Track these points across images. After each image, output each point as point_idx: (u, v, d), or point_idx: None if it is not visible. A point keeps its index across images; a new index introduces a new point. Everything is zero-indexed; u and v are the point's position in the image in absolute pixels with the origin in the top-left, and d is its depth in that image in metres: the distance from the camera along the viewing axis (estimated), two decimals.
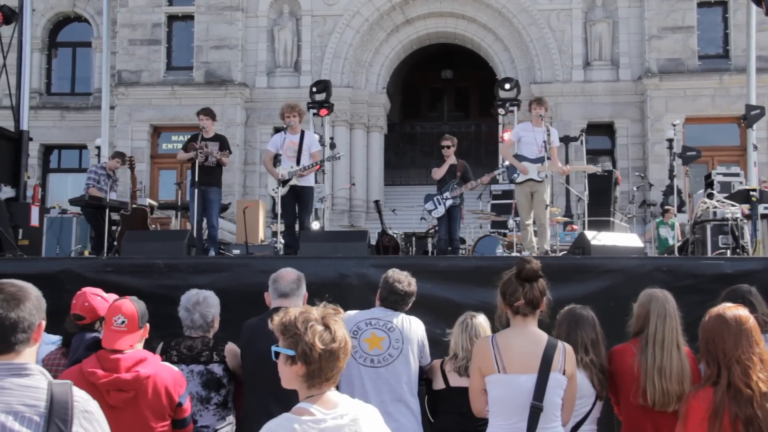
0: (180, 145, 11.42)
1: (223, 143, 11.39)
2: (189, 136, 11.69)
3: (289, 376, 2.79)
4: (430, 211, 11.63)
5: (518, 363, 3.89)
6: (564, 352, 3.95)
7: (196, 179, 10.94)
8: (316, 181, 11.75)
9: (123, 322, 4.15)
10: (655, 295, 4.50)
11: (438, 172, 11.56)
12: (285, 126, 10.85)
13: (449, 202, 11.41)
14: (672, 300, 4.47)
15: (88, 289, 4.89)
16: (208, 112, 11.42)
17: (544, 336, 3.99)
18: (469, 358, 5.02)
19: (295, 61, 24.42)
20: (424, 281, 6.81)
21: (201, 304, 5.07)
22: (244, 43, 24.18)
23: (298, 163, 10.58)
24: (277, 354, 2.80)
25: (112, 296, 4.75)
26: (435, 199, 11.50)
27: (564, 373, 3.92)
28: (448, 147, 11.61)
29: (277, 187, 10.58)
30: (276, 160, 10.62)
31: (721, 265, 7.38)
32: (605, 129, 23.65)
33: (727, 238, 10.48)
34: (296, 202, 10.68)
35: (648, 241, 15.32)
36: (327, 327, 2.78)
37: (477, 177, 11.76)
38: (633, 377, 4.36)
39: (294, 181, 10.56)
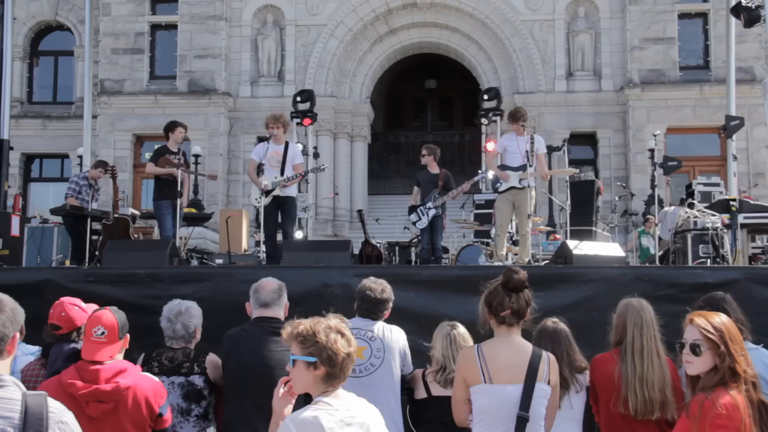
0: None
1: (185, 157, 11.52)
2: (156, 148, 11.62)
3: (309, 379, 3.14)
4: (414, 223, 11.64)
5: (504, 373, 3.89)
6: (548, 362, 3.97)
7: (168, 192, 11.00)
8: (299, 191, 11.74)
9: (103, 332, 4.11)
10: (631, 304, 4.53)
11: (413, 200, 11.68)
12: (268, 136, 10.86)
13: (432, 212, 11.43)
14: (649, 309, 4.50)
15: (66, 299, 4.86)
16: (185, 126, 11.52)
17: (528, 346, 4.00)
18: None
19: (279, 71, 24.43)
20: (407, 291, 6.82)
21: (183, 315, 5.05)
22: (227, 53, 24.16)
23: (281, 173, 10.58)
24: (293, 361, 3.16)
25: (91, 306, 4.72)
26: (418, 210, 11.51)
27: (549, 383, 3.93)
28: (423, 156, 11.68)
29: (260, 197, 10.58)
30: (259, 169, 10.63)
31: (701, 274, 7.42)
32: (588, 139, 23.77)
33: (708, 247, 10.55)
34: (279, 212, 10.68)
35: (630, 250, 15.40)
36: (342, 334, 3.18)
37: (459, 185, 11.77)
38: (614, 386, 4.38)
39: (277, 192, 10.57)
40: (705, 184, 14.25)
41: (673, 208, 15.26)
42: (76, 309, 4.77)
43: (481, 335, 4.61)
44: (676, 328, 3.93)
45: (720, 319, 3.58)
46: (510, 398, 3.84)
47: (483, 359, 3.91)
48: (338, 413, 3.06)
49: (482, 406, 3.88)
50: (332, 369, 3.13)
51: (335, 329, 3.18)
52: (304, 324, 3.19)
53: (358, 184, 25.18)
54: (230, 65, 24.23)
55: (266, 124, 10.84)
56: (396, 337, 5.19)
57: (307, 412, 3.05)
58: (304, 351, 3.14)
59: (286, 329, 3.20)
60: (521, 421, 3.80)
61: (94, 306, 4.62)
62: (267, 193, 10.58)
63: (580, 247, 8.81)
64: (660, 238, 14.73)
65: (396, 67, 27.52)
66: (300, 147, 11.07)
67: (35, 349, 5.10)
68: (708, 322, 3.57)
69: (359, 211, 16.04)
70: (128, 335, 4.26)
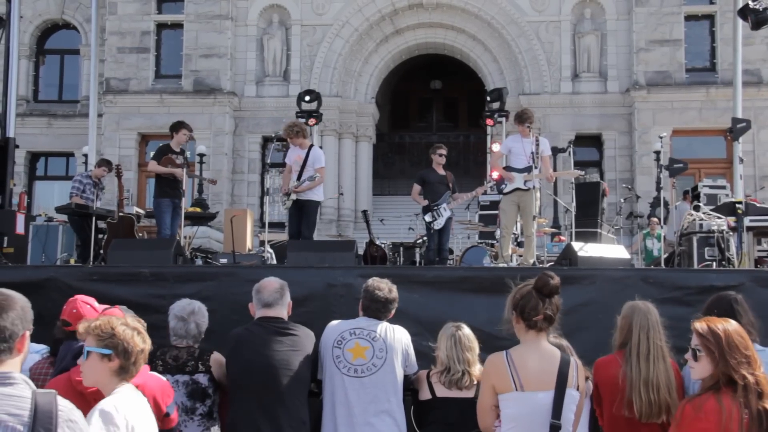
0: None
1: (185, 156, 11.54)
2: (159, 147, 11.62)
3: (101, 372, 3.35)
4: (429, 223, 11.55)
5: (535, 380, 3.83)
6: (576, 367, 3.93)
7: (170, 190, 11.05)
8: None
9: None
10: (637, 307, 4.50)
11: (415, 198, 11.74)
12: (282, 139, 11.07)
13: (447, 214, 11.47)
14: (654, 311, 4.48)
15: (79, 297, 4.86)
16: (190, 129, 11.57)
17: (556, 351, 3.95)
18: (464, 370, 5.01)
19: (284, 71, 24.44)
20: (411, 292, 6.81)
21: (196, 314, 5.08)
22: (233, 52, 24.19)
23: (299, 178, 10.67)
24: (87, 353, 3.37)
25: (104, 306, 4.73)
26: (434, 210, 11.49)
27: (577, 389, 3.90)
28: (443, 155, 11.69)
29: (286, 200, 10.71)
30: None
31: (707, 276, 7.40)
32: (593, 140, 23.75)
33: (713, 250, 10.53)
34: (299, 215, 10.74)
35: (635, 252, 15.38)
36: (139, 332, 3.45)
37: (463, 188, 11.80)
38: (618, 389, 4.36)
39: (293, 196, 10.65)
40: (711, 187, 14.24)
41: (678, 203, 15.25)
42: (88, 307, 4.78)
43: (487, 337, 4.61)
44: (681, 331, 3.93)
45: (723, 325, 3.55)
46: (542, 405, 3.79)
47: (513, 366, 3.85)
48: (124, 406, 3.24)
49: (513, 413, 3.82)
50: (126, 362, 3.34)
51: (132, 326, 3.43)
52: (102, 319, 3.42)
53: (363, 185, 25.19)
54: (236, 65, 24.26)
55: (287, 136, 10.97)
56: (399, 336, 5.19)
57: (106, 402, 3.24)
58: (100, 343, 3.35)
59: (82, 324, 3.41)
60: (554, 429, 3.76)
61: (106, 306, 4.63)
62: (288, 196, 10.67)
63: (584, 249, 8.81)
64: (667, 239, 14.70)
65: (401, 68, 27.52)
66: (322, 153, 11.10)
67: (41, 348, 5.10)
68: (707, 326, 3.55)
69: (364, 212, 16.05)
70: None
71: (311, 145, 10.99)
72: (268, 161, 12.69)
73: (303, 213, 10.72)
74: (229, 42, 24.00)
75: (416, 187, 11.83)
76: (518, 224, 12.10)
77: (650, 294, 5.97)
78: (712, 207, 12.32)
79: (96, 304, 4.82)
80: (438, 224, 11.50)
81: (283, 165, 11.32)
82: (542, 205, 18.29)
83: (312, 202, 10.75)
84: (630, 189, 19.19)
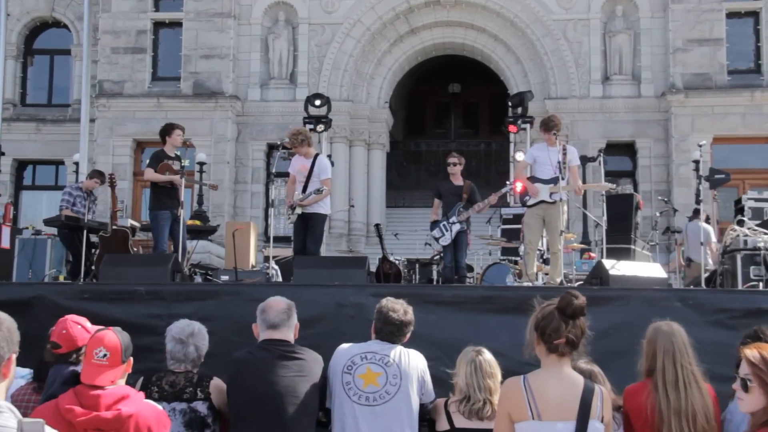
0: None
1: (182, 163, 11.52)
2: (154, 153, 11.62)
3: None
4: (437, 239, 11.65)
5: (554, 409, 3.79)
6: (602, 397, 3.88)
7: (167, 200, 11.06)
8: None
9: (105, 355, 4.11)
10: (660, 329, 4.44)
11: (433, 213, 11.73)
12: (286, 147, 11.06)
13: (456, 228, 11.42)
14: (681, 333, 4.41)
15: (70, 317, 4.88)
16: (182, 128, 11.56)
17: (579, 379, 3.90)
18: (485, 399, 4.98)
19: (291, 73, 24.53)
20: (428, 312, 6.80)
21: (196, 336, 5.07)
22: (236, 53, 24.30)
23: (304, 190, 10.64)
24: None
25: (96, 327, 4.74)
26: (441, 225, 11.52)
27: (602, 421, 3.85)
28: (455, 164, 11.72)
29: (291, 214, 10.69)
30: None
31: (753, 298, 7.33)
32: (626, 149, 23.69)
33: (760, 269, 10.43)
34: (305, 229, 10.74)
35: (672, 271, 15.30)
36: None
37: (485, 198, 11.76)
38: (647, 419, 4.30)
39: (298, 209, 10.62)
40: (756, 200, 14.11)
41: (689, 223, 15.17)
42: (79, 328, 4.78)
43: (511, 362, 4.59)
44: (725, 357, 3.90)
45: None
46: None
47: (530, 392, 3.81)
48: None
49: None
50: None
51: None
52: None
53: (376, 196, 25.21)
54: (238, 66, 24.36)
55: (291, 144, 10.97)
56: (414, 362, 5.16)
57: None
58: None
59: None
60: None
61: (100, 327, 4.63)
62: (292, 209, 10.66)
63: (617, 267, 8.77)
64: (690, 260, 14.62)
65: (417, 70, 27.57)
66: (329, 163, 11.10)
67: (26, 372, 5.11)
68: (760, 354, 3.44)
69: (377, 225, 16.04)
70: (131, 359, 4.27)
71: (317, 154, 10.98)
72: (274, 170, 12.77)
73: (309, 227, 10.71)
74: (232, 42, 24.12)
75: (435, 202, 11.87)
76: (544, 240, 12.06)
77: (690, 317, 5.95)
78: (757, 222, 12.23)
79: (88, 324, 4.82)
80: (444, 240, 11.51)
81: (289, 175, 11.32)
82: (570, 219, 18.25)
83: (319, 215, 10.74)
84: (666, 202, 19.07)
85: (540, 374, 3.89)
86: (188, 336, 5.05)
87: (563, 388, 3.84)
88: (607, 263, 8.98)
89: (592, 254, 15.87)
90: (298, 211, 10.63)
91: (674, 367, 4.26)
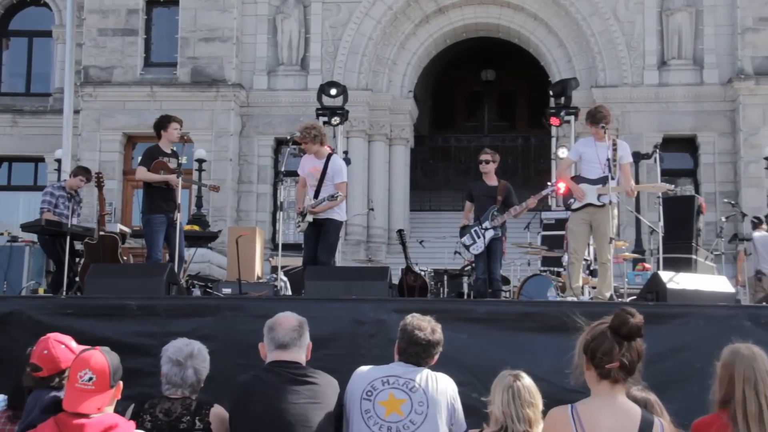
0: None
1: (179, 161, 11.54)
2: (147, 149, 11.66)
3: None
4: (467, 247, 11.64)
5: None
6: (662, 430, 3.86)
7: (162, 203, 11.10)
8: None
9: (90, 378, 4.12)
10: (739, 353, 4.37)
11: (465, 217, 11.75)
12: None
13: (489, 234, 11.40)
14: (763, 359, 4.36)
15: (53, 335, 4.88)
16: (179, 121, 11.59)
17: (636, 409, 3.87)
18: (524, 431, 4.96)
19: (302, 58, 24.56)
20: (459, 331, 6.80)
21: (195, 358, 5.06)
22: (239, 35, 24.37)
23: (316, 194, 10.63)
24: None
25: (83, 347, 4.75)
26: (473, 231, 11.50)
27: None
28: (488, 162, 11.70)
29: (301, 221, 10.71)
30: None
31: None
32: (685, 144, 23.56)
33: None
34: (317, 236, 10.74)
35: (741, 285, 15.19)
36: None
37: (522, 200, 11.74)
38: None
39: (309, 216, 10.61)
40: None
41: (758, 234, 15.08)
42: (63, 348, 4.79)
43: (554, 389, 4.57)
44: None
45: None
46: None
47: (580, 424, 3.79)
48: None
49: None
50: None
51: None
52: None
53: (398, 198, 25.20)
54: (243, 51, 24.44)
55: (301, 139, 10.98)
56: (443, 387, 5.16)
57: None
58: None
59: None
60: None
61: (84, 346, 4.64)
62: (303, 216, 10.68)
63: (676, 280, 8.74)
64: (761, 273, 14.52)
65: (446, 55, 27.55)
66: (343, 164, 11.08)
67: (1, 399, 5.13)
68: None
69: (400, 231, 16.08)
70: (121, 383, 4.27)
71: (330, 154, 10.94)
72: (282, 168, 12.73)
73: (321, 234, 10.72)
74: (235, 23, 24.20)
75: (467, 205, 11.89)
76: (591, 248, 12.01)
77: (762, 339, 5.88)
78: None
79: (73, 344, 4.83)
80: (476, 248, 11.50)
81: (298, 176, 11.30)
82: (621, 225, 18.18)
83: (332, 221, 10.73)
84: (734, 205, 18.93)
85: (590, 403, 3.86)
86: (187, 357, 5.05)
87: (617, 420, 3.81)
88: (664, 275, 8.95)
89: (647, 265, 15.80)
90: (309, 218, 10.63)
91: (757, 397, 4.16)
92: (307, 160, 10.93)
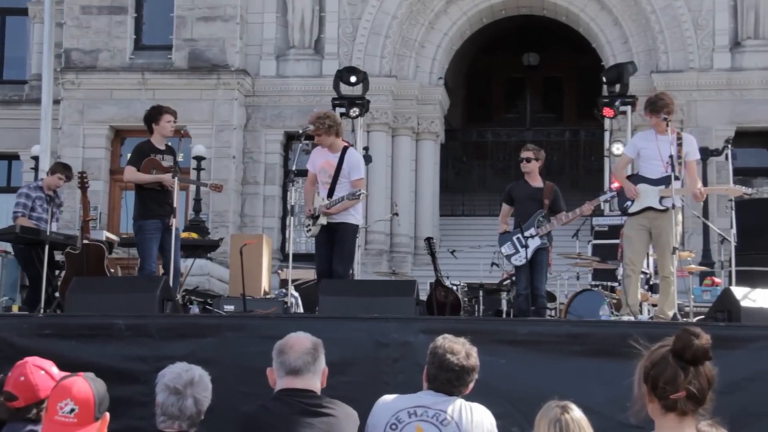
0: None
1: (175, 158, 11.56)
2: (137, 146, 11.72)
3: None
4: (508, 257, 11.59)
5: None
6: None
7: (156, 207, 11.14)
8: None
9: (72, 410, 4.13)
10: None
11: (501, 223, 11.73)
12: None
13: (534, 243, 11.37)
14: None
15: (31, 360, 4.90)
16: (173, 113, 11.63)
17: None
18: None
19: (316, 40, 24.60)
20: (497, 355, 6.79)
21: (196, 386, 5.05)
22: (244, 14, 24.44)
23: (330, 194, 10.62)
24: None
25: (63, 374, 4.77)
26: (515, 239, 11.46)
27: None
28: (529, 160, 11.67)
29: (310, 225, 10.71)
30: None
31: None
32: (762, 138, 23.47)
33: None
34: (330, 244, 10.75)
35: None
36: None
37: (572, 206, 11.72)
38: None
39: (322, 219, 10.61)
40: None
41: None
42: (42, 374, 4.81)
43: (608, 423, 4.55)
44: None
45: None
46: None
47: None
48: None
49: None
50: None
51: None
52: None
53: (426, 202, 25.20)
54: (248, 32, 24.49)
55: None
56: (478, 419, 5.16)
57: None
58: None
59: None
60: None
61: (65, 373, 4.66)
62: (315, 219, 10.66)
63: (751, 297, 8.69)
64: None
65: (481, 36, 27.54)
66: (360, 158, 11.10)
67: None
68: None
69: (428, 240, 16.04)
70: (107, 415, 4.28)
71: (345, 147, 10.96)
72: (294, 167, 12.75)
73: (335, 240, 10.73)
74: (239, 0, 24.27)
75: (504, 208, 11.85)
76: (650, 259, 11.96)
77: None
78: None
79: (54, 369, 4.85)
80: (518, 259, 11.46)
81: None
82: (686, 233, 18.08)
83: (347, 225, 10.74)
84: None
85: None
86: (186, 385, 5.05)
87: None
88: (738, 292, 8.90)
89: (717, 279, 15.71)
90: (323, 220, 10.62)
91: None
92: (318, 154, 10.92)
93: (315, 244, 10.90)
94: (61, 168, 13.12)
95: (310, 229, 10.85)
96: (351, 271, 14.47)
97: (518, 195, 11.75)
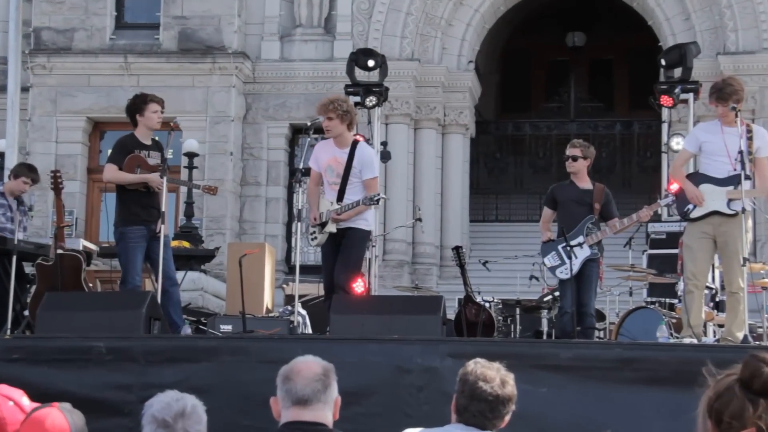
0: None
1: (163, 155, 11.55)
2: (118, 140, 11.76)
3: None
4: (552, 269, 11.57)
5: None
6: None
7: (141, 211, 11.17)
8: None
9: None
10: None
11: (543, 229, 11.73)
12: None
13: (583, 254, 11.35)
14: None
15: None
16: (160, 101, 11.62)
17: None
18: None
19: (327, 18, 24.63)
20: (537, 383, 6.79)
21: (188, 417, 5.06)
22: None
23: (340, 196, 10.59)
24: None
25: (36, 404, 4.79)
26: (560, 248, 11.42)
27: None
28: (575, 159, 11.63)
29: (317, 233, 10.69)
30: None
31: None
32: None
33: None
34: (338, 252, 10.74)
35: None
36: None
37: (625, 211, 11.70)
38: None
39: (331, 226, 10.57)
40: None
41: None
42: (10, 406, 4.82)
43: None
44: None
45: None
46: None
47: None
48: None
49: None
50: None
51: None
52: None
53: (454, 205, 25.21)
54: (247, 8, 24.54)
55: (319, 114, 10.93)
56: None
57: None
58: None
59: None
60: None
61: (36, 404, 4.68)
62: (321, 226, 10.64)
63: None
64: None
65: (517, 14, 27.57)
66: (375, 154, 11.11)
67: None
68: None
69: (456, 249, 16.06)
70: None
71: (356, 141, 10.94)
72: (301, 165, 12.75)
73: (343, 249, 10.72)
74: None
75: (546, 212, 11.84)
76: (716, 272, 11.93)
77: None
78: None
79: (24, 400, 4.87)
80: (564, 272, 11.43)
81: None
82: (758, 241, 18.04)
83: (355, 230, 10.71)
84: None
85: None
86: (177, 416, 5.06)
87: None
88: None
89: None
90: (332, 228, 10.58)
91: None
92: (323, 149, 10.87)
93: (321, 254, 10.89)
94: (26, 170, 13.01)
95: (315, 238, 10.80)
96: (368, 285, 14.52)
97: (563, 198, 11.70)
